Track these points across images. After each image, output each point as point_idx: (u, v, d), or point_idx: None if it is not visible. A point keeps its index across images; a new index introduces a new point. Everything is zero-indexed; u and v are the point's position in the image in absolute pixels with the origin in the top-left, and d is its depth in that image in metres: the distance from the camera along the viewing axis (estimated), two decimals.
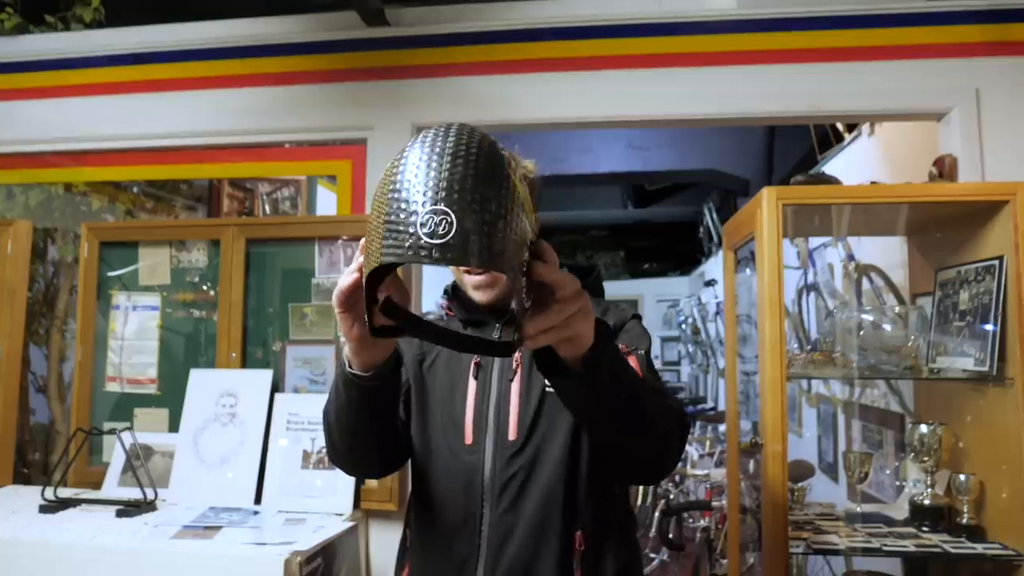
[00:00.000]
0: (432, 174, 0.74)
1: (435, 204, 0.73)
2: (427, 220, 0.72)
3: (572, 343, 0.87)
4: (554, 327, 0.82)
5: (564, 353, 0.89)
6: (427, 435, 1.22)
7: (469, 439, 1.17)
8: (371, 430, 1.11)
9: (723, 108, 2.33)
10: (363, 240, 0.84)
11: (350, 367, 1.00)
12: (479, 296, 1.20)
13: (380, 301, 0.86)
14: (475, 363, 1.22)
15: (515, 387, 1.18)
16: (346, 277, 0.90)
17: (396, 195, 0.76)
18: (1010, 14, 2.20)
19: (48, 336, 2.94)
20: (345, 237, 2.28)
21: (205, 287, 2.39)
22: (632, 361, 1.13)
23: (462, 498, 1.16)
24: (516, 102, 2.39)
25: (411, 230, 0.73)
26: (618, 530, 1.20)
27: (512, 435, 1.16)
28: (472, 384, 1.20)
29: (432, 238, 0.72)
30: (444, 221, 0.72)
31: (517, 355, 1.19)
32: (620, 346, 1.16)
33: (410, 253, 0.72)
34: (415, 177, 0.75)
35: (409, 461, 1.27)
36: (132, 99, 2.58)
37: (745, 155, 5.66)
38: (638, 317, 1.28)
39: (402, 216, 0.74)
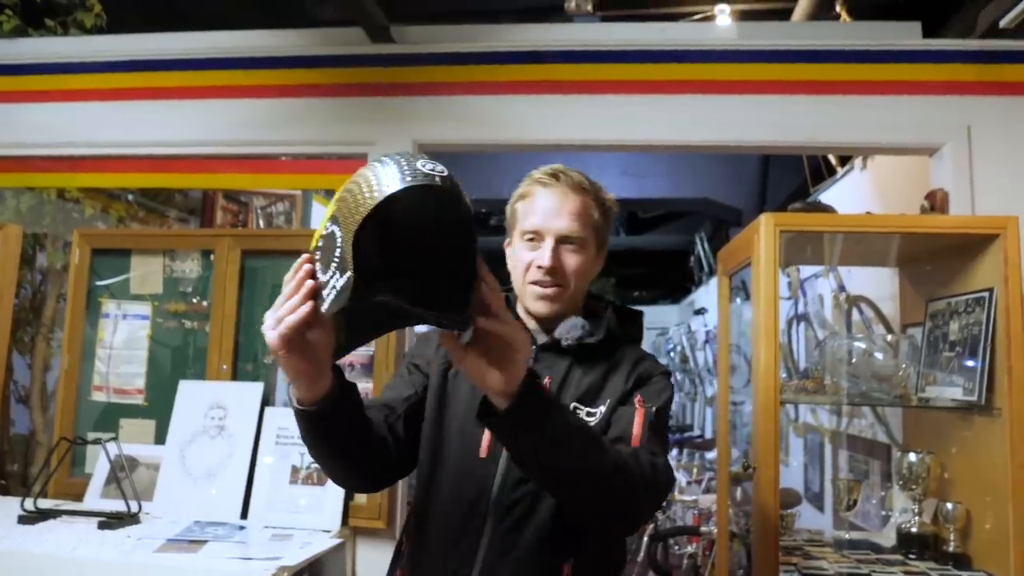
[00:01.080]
0: (410, 156, 0.82)
1: (422, 159, 0.80)
2: (424, 163, 0.79)
3: (509, 361, 0.89)
4: (500, 316, 0.86)
5: (497, 385, 0.90)
6: (441, 442, 1.21)
7: (484, 452, 1.16)
8: (333, 454, 1.11)
9: (722, 136, 2.37)
10: (304, 265, 0.90)
11: (297, 403, 1.01)
12: (541, 307, 1.21)
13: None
14: None
15: None
16: (296, 312, 0.90)
17: (378, 167, 0.80)
18: (1002, 55, 2.27)
19: (33, 344, 2.89)
20: None
21: (196, 299, 2.37)
22: (639, 415, 1.13)
23: (467, 510, 1.15)
24: (517, 123, 2.40)
25: (415, 166, 0.78)
26: (611, 569, 1.22)
27: None
28: None
29: (433, 170, 0.79)
30: (437, 166, 0.80)
31: (546, 380, 1.18)
32: (637, 399, 1.16)
33: (418, 177, 0.77)
34: (392, 160, 0.80)
35: (413, 472, 1.26)
36: (131, 106, 2.56)
37: (739, 185, 5.74)
38: (668, 374, 1.27)
39: (400, 162, 0.79)
